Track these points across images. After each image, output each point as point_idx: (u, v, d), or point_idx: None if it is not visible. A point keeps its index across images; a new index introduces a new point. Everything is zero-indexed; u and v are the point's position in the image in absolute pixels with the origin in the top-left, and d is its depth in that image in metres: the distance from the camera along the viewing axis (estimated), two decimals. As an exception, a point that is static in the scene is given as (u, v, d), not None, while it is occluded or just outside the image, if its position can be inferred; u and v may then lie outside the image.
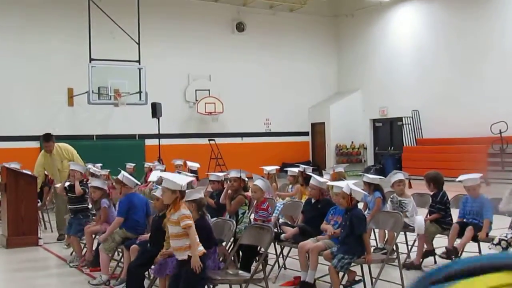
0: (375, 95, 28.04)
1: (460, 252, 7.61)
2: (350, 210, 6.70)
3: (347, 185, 6.75)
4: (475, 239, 7.60)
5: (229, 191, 8.37)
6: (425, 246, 8.37)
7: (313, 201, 7.73)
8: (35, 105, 23.43)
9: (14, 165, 13.39)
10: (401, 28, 27.14)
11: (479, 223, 7.56)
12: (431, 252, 8.41)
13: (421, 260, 8.31)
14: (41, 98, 23.51)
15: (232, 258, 6.82)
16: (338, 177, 9.42)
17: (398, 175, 8.87)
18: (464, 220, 7.76)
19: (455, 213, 8.27)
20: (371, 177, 9.33)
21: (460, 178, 7.73)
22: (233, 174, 8.59)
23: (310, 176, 8.09)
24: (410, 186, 8.71)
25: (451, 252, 7.56)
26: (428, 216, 8.50)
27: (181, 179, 5.97)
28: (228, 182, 8.60)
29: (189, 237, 5.66)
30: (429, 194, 8.70)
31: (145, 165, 16.10)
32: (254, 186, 7.94)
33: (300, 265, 7.16)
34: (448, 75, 24.64)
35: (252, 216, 8.40)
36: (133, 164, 16.08)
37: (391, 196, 8.89)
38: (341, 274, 6.67)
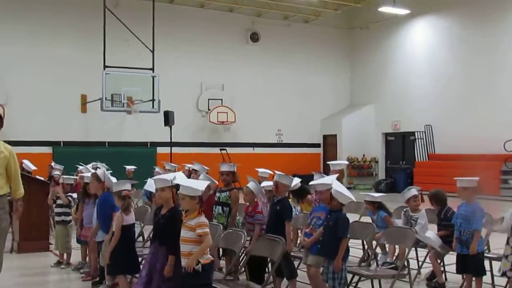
0: (388, 109, 27.97)
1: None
2: (335, 211, 6.66)
3: (335, 185, 6.72)
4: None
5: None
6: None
7: (275, 200, 7.64)
8: (48, 111, 23.53)
9: (27, 163, 13.51)
10: (416, 42, 27.09)
11: (465, 229, 7.43)
12: (441, 285, 8.35)
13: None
14: (54, 104, 23.60)
15: (243, 269, 6.79)
16: (340, 176, 9.30)
17: (413, 191, 8.82)
18: (456, 224, 7.61)
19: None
20: (372, 195, 9.24)
21: (457, 178, 7.67)
22: (225, 168, 8.57)
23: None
24: (422, 200, 8.66)
25: None
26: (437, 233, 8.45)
27: (200, 184, 5.97)
28: (220, 175, 8.58)
29: (200, 244, 5.64)
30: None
31: (156, 169, 15.85)
32: (246, 188, 7.89)
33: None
34: (462, 90, 24.55)
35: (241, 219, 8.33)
36: (134, 167, 16.02)
37: (404, 210, 8.84)
38: None
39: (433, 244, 7.97)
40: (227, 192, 8.30)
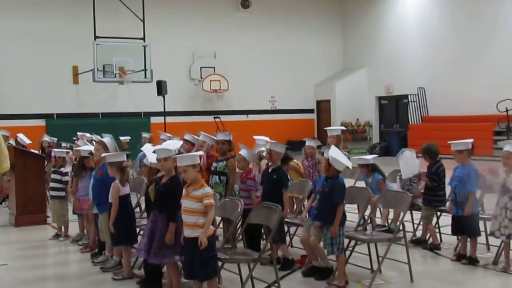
0: (380, 73, 27.91)
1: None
2: (331, 178, 6.73)
3: (331, 152, 6.78)
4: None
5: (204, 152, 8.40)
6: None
7: (270, 169, 7.73)
8: (40, 83, 23.43)
9: (22, 137, 13.49)
10: (408, 4, 26.92)
11: (460, 191, 7.51)
12: (423, 242, 8.47)
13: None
14: (46, 76, 23.49)
15: (240, 237, 6.85)
16: (337, 141, 9.32)
17: (407, 153, 8.86)
18: (452, 186, 7.69)
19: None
20: (365, 158, 9.27)
21: (451, 142, 7.72)
22: (221, 137, 8.56)
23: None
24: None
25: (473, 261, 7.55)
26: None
27: (197, 154, 6.01)
28: (216, 144, 8.57)
29: (205, 215, 5.69)
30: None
31: (143, 135, 15.73)
32: (238, 155, 7.93)
33: (311, 257, 7.17)
34: (454, 52, 24.48)
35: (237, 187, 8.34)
36: (128, 138, 16.01)
37: (400, 174, 8.88)
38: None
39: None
40: (224, 161, 8.31)
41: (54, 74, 23.63)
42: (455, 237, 8.17)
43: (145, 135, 15.54)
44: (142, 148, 9.50)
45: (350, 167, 6.90)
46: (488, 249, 8.06)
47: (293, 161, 9.49)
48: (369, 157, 9.30)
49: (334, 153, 6.75)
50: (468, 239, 7.64)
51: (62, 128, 19.97)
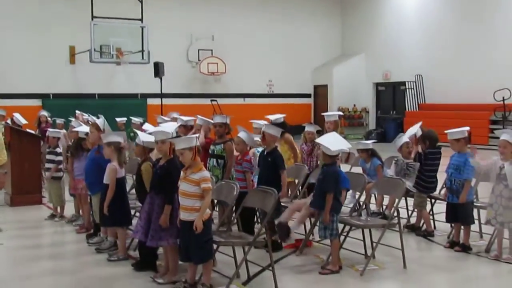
0: (379, 59, 27.88)
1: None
2: (326, 165, 6.78)
3: (319, 138, 6.84)
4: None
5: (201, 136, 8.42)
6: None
7: (265, 152, 7.75)
8: (37, 63, 23.34)
9: (18, 116, 13.47)
10: (407, -9, 26.87)
11: (456, 179, 7.55)
12: (417, 229, 8.52)
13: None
14: (43, 56, 23.41)
15: (235, 220, 6.87)
16: (335, 126, 9.34)
17: (404, 138, 8.88)
18: (447, 174, 7.73)
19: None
20: (365, 143, 9.31)
21: (447, 131, 7.74)
22: (219, 119, 8.52)
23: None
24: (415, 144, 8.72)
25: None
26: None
27: (193, 136, 6.01)
28: (214, 127, 8.55)
29: (202, 199, 5.71)
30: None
31: (132, 121, 15.73)
32: (237, 138, 7.91)
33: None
34: (452, 40, 24.45)
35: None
36: (125, 119, 15.99)
37: (396, 159, 8.87)
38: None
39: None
40: (222, 144, 8.29)
41: (51, 54, 23.55)
42: (448, 224, 8.22)
43: (135, 120, 15.49)
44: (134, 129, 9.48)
45: (333, 151, 6.81)
46: (481, 237, 8.13)
47: (289, 135, 9.42)
48: (369, 142, 9.34)
49: (324, 140, 6.80)
50: (462, 227, 7.69)
51: (58, 108, 19.86)
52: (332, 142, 6.82)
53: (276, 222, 7.07)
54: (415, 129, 8.44)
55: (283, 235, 7.11)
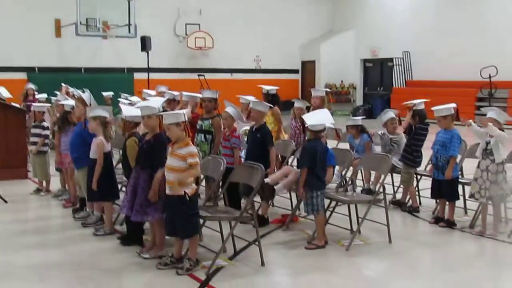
0: (367, 35, 27.81)
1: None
2: (309, 141, 6.84)
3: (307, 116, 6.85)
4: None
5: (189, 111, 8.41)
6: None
7: (254, 128, 7.74)
8: (22, 36, 23.05)
9: (1, 90, 13.32)
10: (396, -33, 26.75)
11: (441, 155, 7.59)
12: (402, 205, 8.58)
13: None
14: (28, 29, 23.12)
15: (222, 195, 6.88)
16: (321, 102, 9.33)
17: (390, 113, 8.89)
18: (433, 150, 7.76)
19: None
20: (355, 119, 9.33)
21: (434, 108, 7.75)
22: (208, 94, 8.46)
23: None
24: (400, 124, 8.75)
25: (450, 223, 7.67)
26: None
27: (181, 112, 5.97)
28: (202, 102, 8.49)
29: (187, 173, 5.71)
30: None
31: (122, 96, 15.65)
32: (225, 113, 7.89)
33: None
34: (440, 17, 24.43)
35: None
36: (112, 93, 15.90)
37: (381, 133, 8.90)
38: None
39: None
40: (210, 120, 8.26)
41: (36, 26, 23.26)
42: (433, 201, 8.28)
43: (106, 94, 15.40)
44: (120, 103, 9.41)
45: (320, 127, 6.81)
46: (466, 212, 8.20)
47: (277, 109, 9.41)
48: (358, 118, 9.34)
49: (308, 117, 6.82)
50: (447, 203, 7.74)
51: (44, 81, 19.64)
52: (316, 118, 6.83)
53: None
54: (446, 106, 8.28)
55: (268, 195, 7.15)
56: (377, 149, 8.80)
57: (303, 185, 6.66)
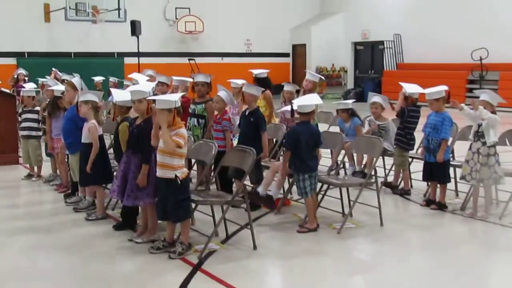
0: (357, 18, 27.73)
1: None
2: (297, 124, 6.84)
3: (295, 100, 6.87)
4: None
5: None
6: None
7: (247, 112, 7.70)
8: (11, 20, 22.87)
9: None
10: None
11: (433, 138, 7.62)
12: (394, 188, 8.58)
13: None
14: (16, 13, 22.94)
15: (214, 180, 6.89)
16: (313, 86, 9.30)
17: (374, 98, 8.88)
18: (425, 133, 7.78)
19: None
20: (345, 103, 9.29)
21: (425, 91, 7.76)
22: (201, 78, 8.42)
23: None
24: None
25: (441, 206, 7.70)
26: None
27: (173, 96, 5.93)
28: (195, 86, 8.46)
29: (176, 156, 5.71)
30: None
31: (110, 80, 15.70)
32: (216, 97, 7.85)
33: (264, 181, 7.25)
34: (431, 1, 24.40)
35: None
36: (102, 78, 15.85)
37: (368, 119, 8.92)
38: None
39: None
40: (203, 104, 8.24)
41: (25, 11, 23.09)
42: (425, 183, 8.30)
43: (97, 79, 15.38)
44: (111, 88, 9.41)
45: (315, 105, 6.83)
46: (457, 195, 8.24)
47: (269, 92, 9.38)
48: (349, 101, 9.30)
49: (298, 101, 6.82)
50: (438, 185, 7.77)
51: (33, 67, 19.54)
52: (304, 100, 6.83)
53: (259, 193, 7.10)
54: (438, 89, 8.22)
55: (269, 205, 7.14)
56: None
57: (291, 167, 6.70)
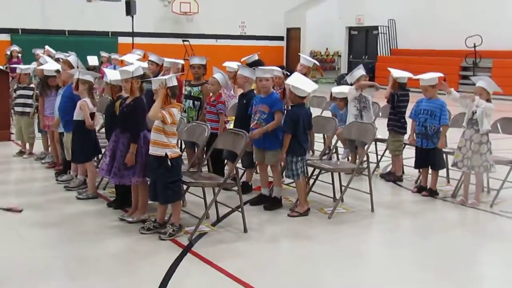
0: (352, 3, 27.68)
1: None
2: (293, 106, 6.79)
3: (289, 79, 6.78)
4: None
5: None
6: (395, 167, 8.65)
7: (240, 95, 7.65)
8: (4, -4, 22.71)
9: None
10: None
11: (431, 124, 7.61)
12: (398, 178, 8.56)
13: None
14: (11, -11, 22.76)
15: (206, 162, 6.88)
16: (307, 71, 9.23)
17: (361, 71, 8.73)
18: (416, 121, 7.76)
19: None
20: (339, 90, 9.18)
21: (419, 76, 7.74)
22: (197, 61, 8.41)
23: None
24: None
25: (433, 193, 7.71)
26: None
27: (168, 76, 5.94)
28: (191, 69, 8.45)
29: (168, 134, 5.71)
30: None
31: (102, 55, 15.72)
32: (212, 79, 7.84)
33: (261, 181, 7.26)
34: (427, -15, 24.38)
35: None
36: (108, 54, 15.86)
37: (358, 94, 8.68)
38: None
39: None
40: (199, 86, 8.23)
41: (19, -13, 22.90)
42: (416, 170, 8.30)
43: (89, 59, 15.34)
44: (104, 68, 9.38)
45: (309, 91, 6.80)
46: (448, 182, 8.27)
47: None
48: (346, 90, 9.05)
49: (295, 81, 6.74)
50: (430, 172, 7.79)
51: (27, 43, 19.37)
52: (301, 82, 6.78)
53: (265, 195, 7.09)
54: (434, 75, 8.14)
55: (278, 206, 7.09)
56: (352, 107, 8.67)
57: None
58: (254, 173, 8.04)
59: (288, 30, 29.52)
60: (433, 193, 7.67)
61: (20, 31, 23.47)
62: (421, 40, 24.25)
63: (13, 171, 9.10)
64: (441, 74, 7.69)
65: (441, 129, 7.56)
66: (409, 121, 8.26)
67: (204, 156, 7.15)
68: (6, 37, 22.94)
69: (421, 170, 8.06)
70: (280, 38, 29.49)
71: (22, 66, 10.33)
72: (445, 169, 8.18)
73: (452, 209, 7.26)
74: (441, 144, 7.55)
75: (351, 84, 8.77)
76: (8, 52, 15.49)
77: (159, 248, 5.61)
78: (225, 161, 7.75)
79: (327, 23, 28.28)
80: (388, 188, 8.30)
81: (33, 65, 10.63)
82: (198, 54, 24.72)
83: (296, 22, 28.95)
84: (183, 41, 25.65)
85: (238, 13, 27.68)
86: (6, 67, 13.44)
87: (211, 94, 7.94)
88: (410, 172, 8.67)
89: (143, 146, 6.09)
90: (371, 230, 6.58)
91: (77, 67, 7.91)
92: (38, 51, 13.95)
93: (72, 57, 8.27)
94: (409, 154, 8.59)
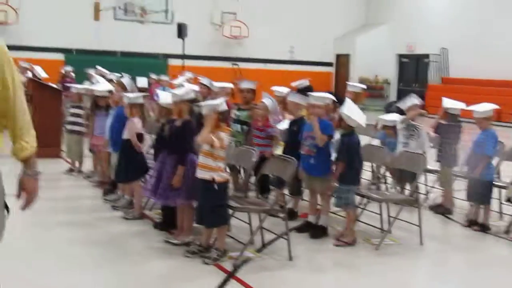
0: (403, 30, 27.49)
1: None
2: (345, 135, 6.63)
3: (347, 108, 6.67)
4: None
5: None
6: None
7: (291, 121, 7.53)
8: (61, 17, 23.25)
9: (38, 69, 13.43)
10: (437, -39, 26.35)
11: (477, 154, 7.41)
12: (448, 210, 8.33)
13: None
14: (67, 10, 23.31)
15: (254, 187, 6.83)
16: (354, 97, 9.11)
17: (414, 100, 8.65)
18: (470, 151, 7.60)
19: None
20: (392, 120, 8.99)
21: (473, 108, 7.58)
22: (247, 85, 8.39)
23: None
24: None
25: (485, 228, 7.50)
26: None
27: (218, 101, 5.94)
28: (240, 93, 8.44)
29: (215, 158, 5.69)
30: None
31: (151, 76, 15.96)
32: (261, 104, 7.82)
33: (309, 208, 7.16)
34: (481, 15, 24.01)
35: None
36: (157, 76, 16.10)
37: (405, 124, 8.53)
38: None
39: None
40: (248, 111, 8.22)
41: (75, 8, 23.44)
42: (467, 203, 8.09)
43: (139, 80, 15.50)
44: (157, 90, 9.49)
45: (363, 125, 6.73)
46: (501, 217, 8.02)
47: None
48: (395, 119, 8.85)
49: (348, 109, 6.64)
50: (481, 206, 7.58)
51: (80, 63, 19.80)
52: (354, 113, 6.67)
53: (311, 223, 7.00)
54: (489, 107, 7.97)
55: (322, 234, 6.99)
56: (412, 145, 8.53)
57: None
58: (300, 200, 7.96)
59: (338, 56, 29.47)
60: (484, 228, 7.44)
61: (74, 51, 23.98)
62: (474, 69, 23.86)
63: (61, 189, 9.22)
64: (496, 106, 7.52)
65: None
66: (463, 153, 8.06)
67: (251, 181, 7.11)
68: (60, 56, 23.47)
69: (472, 203, 7.85)
70: (329, 64, 29.46)
71: (77, 86, 10.54)
72: (498, 204, 7.95)
73: (504, 246, 7.03)
74: (476, 173, 7.32)
75: (401, 112, 8.63)
76: (63, 71, 15.85)
77: (202, 272, 5.57)
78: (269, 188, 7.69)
79: (377, 50, 28.15)
80: (438, 220, 8.10)
81: (86, 85, 10.83)
82: (246, 77, 24.94)
83: (345, 48, 28.91)
84: (233, 64, 25.85)
85: (287, 37, 27.79)
86: (59, 86, 13.71)
87: (258, 118, 7.92)
88: (461, 205, 8.45)
89: (189, 169, 6.09)
90: (419, 263, 6.41)
91: (131, 89, 8.01)
92: (91, 71, 14.23)
93: (126, 79, 8.40)
94: (460, 186, 8.39)
